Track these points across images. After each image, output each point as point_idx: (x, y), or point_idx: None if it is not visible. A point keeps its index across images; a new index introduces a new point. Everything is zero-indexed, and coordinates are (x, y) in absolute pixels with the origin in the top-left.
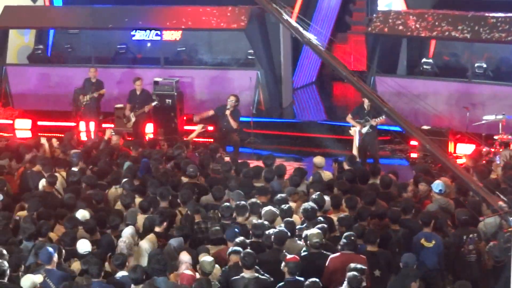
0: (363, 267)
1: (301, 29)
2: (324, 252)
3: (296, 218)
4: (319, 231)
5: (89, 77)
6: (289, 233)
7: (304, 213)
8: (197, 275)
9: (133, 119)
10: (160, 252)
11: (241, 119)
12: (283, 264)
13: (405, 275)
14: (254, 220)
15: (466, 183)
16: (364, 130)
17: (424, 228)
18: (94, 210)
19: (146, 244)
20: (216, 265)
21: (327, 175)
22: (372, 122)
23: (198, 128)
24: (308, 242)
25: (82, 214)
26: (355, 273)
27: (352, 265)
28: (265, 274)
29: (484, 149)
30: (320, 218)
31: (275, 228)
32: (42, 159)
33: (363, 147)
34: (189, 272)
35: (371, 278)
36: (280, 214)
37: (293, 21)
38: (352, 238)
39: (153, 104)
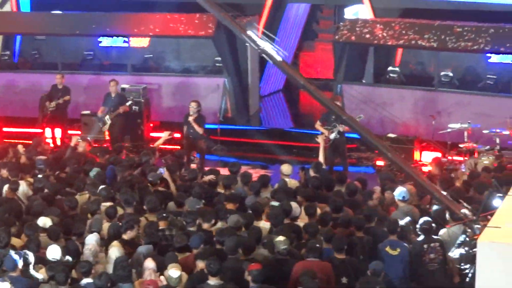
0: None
1: (254, 37)
2: (290, 259)
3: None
4: (285, 237)
5: (56, 83)
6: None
7: (271, 220)
8: (163, 282)
9: (108, 122)
10: (126, 258)
11: (208, 126)
12: (246, 272)
13: (369, 282)
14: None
15: (429, 191)
16: (332, 136)
17: (389, 236)
18: (61, 217)
19: (116, 252)
20: (183, 273)
21: (293, 183)
22: (340, 128)
23: (164, 135)
24: (275, 248)
25: (44, 221)
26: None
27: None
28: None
29: (445, 158)
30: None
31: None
32: (8, 165)
33: (331, 154)
34: (153, 277)
35: (338, 285)
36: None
37: (250, 32)
38: (317, 245)
39: (128, 104)
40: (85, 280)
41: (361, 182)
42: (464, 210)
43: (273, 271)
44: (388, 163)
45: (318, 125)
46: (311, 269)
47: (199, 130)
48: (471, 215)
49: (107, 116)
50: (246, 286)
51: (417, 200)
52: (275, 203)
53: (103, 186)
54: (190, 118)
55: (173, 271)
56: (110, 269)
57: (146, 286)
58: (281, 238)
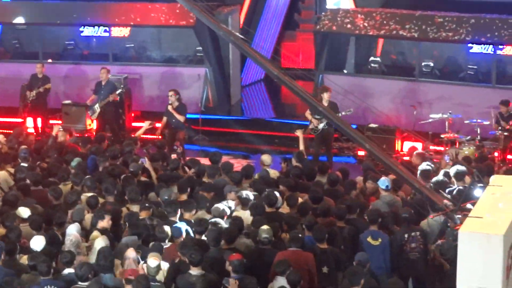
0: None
1: (224, 28)
2: (273, 248)
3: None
4: (268, 227)
5: (36, 72)
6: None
7: (251, 210)
8: (145, 271)
9: (98, 110)
10: (107, 249)
11: (190, 116)
12: (227, 263)
13: (356, 273)
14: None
15: (409, 182)
16: (321, 126)
17: (370, 226)
18: (43, 207)
19: (102, 241)
20: (164, 263)
21: (273, 173)
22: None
23: (145, 124)
24: (257, 237)
25: (23, 211)
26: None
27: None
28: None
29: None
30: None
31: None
32: None
33: (318, 144)
34: (134, 266)
35: (318, 274)
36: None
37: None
38: (299, 235)
39: (117, 92)
40: (67, 270)
41: (343, 172)
42: (445, 201)
43: (255, 261)
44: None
45: (307, 113)
46: (287, 259)
47: (181, 118)
48: (452, 206)
49: (97, 105)
50: (228, 276)
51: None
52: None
53: (87, 177)
54: (169, 107)
55: (152, 261)
56: (94, 259)
57: (127, 276)
58: (264, 227)
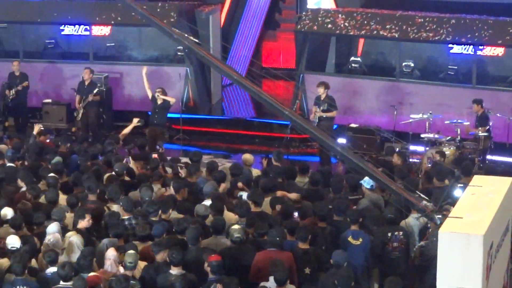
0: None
1: (177, 32)
2: (249, 247)
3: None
4: (239, 226)
5: (13, 71)
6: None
7: (237, 209)
8: (122, 271)
9: (81, 111)
10: (87, 248)
11: (170, 115)
12: (206, 263)
13: (330, 275)
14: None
15: (385, 184)
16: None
17: (351, 226)
18: (20, 206)
19: (76, 239)
20: (143, 262)
21: (255, 172)
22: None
23: (134, 121)
24: (229, 237)
25: (4, 212)
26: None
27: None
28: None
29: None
30: None
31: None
32: None
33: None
34: (114, 268)
35: (300, 275)
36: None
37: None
38: (277, 238)
39: (95, 91)
40: (51, 269)
41: (324, 174)
42: (424, 202)
43: (231, 260)
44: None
45: (314, 108)
46: (276, 259)
47: (171, 100)
48: (431, 206)
49: (80, 105)
50: (206, 276)
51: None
52: (243, 194)
53: (51, 174)
54: (159, 101)
55: (129, 253)
56: (73, 258)
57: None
58: (235, 226)
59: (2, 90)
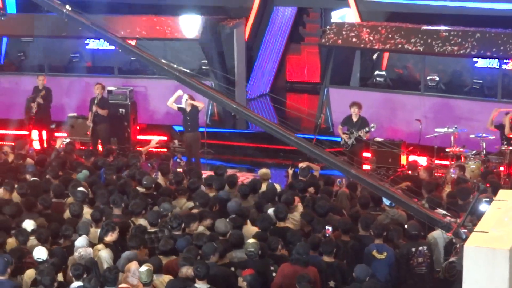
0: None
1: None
2: (267, 261)
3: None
4: (254, 240)
5: (37, 84)
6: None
7: (258, 223)
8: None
9: (90, 125)
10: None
11: None
12: (240, 278)
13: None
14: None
15: (405, 203)
16: (350, 141)
17: (375, 240)
18: (47, 220)
19: (105, 253)
20: (168, 276)
21: (277, 187)
22: (357, 134)
23: (153, 142)
24: (244, 251)
25: (29, 223)
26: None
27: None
28: None
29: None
30: None
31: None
32: None
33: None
34: (134, 281)
35: None
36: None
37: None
38: (300, 252)
39: (94, 109)
40: (76, 284)
41: (350, 187)
42: (448, 218)
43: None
44: (375, 168)
45: (339, 128)
46: (293, 272)
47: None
48: (455, 221)
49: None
50: None
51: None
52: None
53: (79, 189)
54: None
55: (143, 266)
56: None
57: None
58: (250, 240)
59: (27, 104)
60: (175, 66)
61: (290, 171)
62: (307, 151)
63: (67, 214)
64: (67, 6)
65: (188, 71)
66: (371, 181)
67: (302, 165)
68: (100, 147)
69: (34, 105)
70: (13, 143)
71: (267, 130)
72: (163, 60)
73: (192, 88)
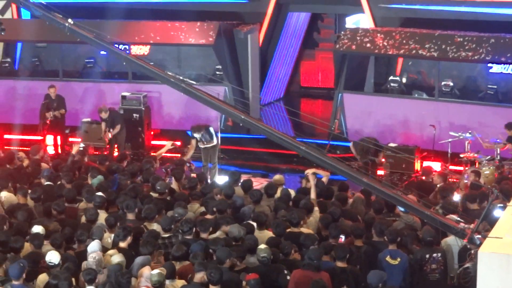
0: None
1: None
2: (279, 266)
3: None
4: (266, 246)
5: (49, 93)
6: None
7: (274, 228)
8: None
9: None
10: (122, 266)
11: None
12: (244, 283)
13: None
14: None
15: (418, 211)
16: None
17: (389, 245)
18: (61, 225)
19: (118, 258)
20: (181, 280)
21: (291, 192)
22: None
23: (167, 144)
24: (256, 256)
25: (38, 229)
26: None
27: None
28: None
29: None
30: None
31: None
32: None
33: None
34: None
35: None
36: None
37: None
38: (314, 261)
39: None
40: None
41: (364, 193)
42: (461, 224)
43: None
44: (389, 173)
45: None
46: (305, 276)
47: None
48: (468, 227)
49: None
50: None
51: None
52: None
53: (98, 194)
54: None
55: (155, 270)
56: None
57: None
58: (262, 246)
59: (42, 109)
60: (181, 78)
61: (304, 181)
62: (318, 161)
63: (83, 219)
64: (70, 20)
65: (193, 82)
66: (383, 190)
67: (308, 171)
68: (115, 152)
69: (49, 114)
70: (28, 148)
71: (276, 140)
72: (168, 72)
73: (199, 99)
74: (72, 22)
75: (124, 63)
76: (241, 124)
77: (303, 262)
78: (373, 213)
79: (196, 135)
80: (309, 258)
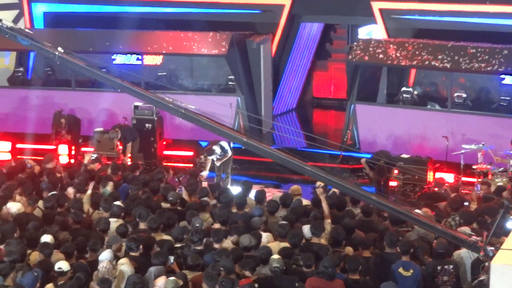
0: None
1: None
2: (291, 277)
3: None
4: (279, 256)
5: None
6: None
7: (289, 240)
8: None
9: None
10: (136, 276)
11: None
12: None
13: None
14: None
15: (430, 227)
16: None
17: (402, 257)
18: (73, 234)
19: (127, 268)
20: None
21: (305, 202)
22: None
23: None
24: (269, 267)
25: (48, 239)
26: None
27: None
28: None
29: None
30: None
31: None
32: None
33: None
34: None
35: None
36: None
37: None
38: (326, 265)
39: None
40: None
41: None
42: (473, 237)
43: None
44: (402, 184)
45: (363, 161)
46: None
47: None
48: (481, 240)
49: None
50: None
51: None
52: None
53: (116, 203)
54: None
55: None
56: (123, 286)
57: None
58: (275, 256)
59: (55, 118)
60: (179, 103)
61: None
62: (324, 180)
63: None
64: (59, 48)
65: (193, 107)
66: (393, 206)
67: (319, 183)
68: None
69: (64, 121)
70: (41, 158)
71: (281, 162)
72: (167, 98)
73: (199, 124)
74: (62, 51)
75: (119, 90)
76: (243, 147)
77: (318, 270)
78: (388, 223)
79: (212, 157)
80: (324, 266)
